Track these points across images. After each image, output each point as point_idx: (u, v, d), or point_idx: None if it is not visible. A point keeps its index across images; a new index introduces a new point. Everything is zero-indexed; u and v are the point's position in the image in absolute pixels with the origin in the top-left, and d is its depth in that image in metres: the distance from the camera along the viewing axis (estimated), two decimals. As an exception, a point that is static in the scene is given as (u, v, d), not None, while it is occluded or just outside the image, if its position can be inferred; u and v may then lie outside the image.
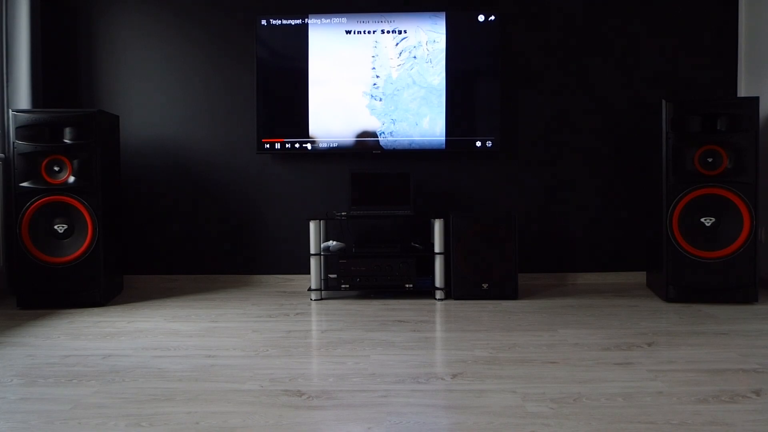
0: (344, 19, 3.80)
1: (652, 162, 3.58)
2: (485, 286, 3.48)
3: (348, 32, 3.80)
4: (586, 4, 3.90)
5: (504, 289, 3.48)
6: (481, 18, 3.79)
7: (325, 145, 3.84)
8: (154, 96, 3.97)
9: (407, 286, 3.55)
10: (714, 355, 2.46)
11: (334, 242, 3.73)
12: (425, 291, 3.64)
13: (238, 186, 4.00)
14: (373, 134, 3.83)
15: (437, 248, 3.52)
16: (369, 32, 3.80)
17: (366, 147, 3.83)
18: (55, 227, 3.37)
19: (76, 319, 3.15)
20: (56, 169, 3.36)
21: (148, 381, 2.22)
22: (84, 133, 3.36)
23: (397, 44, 3.80)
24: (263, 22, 3.81)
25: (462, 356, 2.47)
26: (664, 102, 3.33)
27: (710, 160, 3.28)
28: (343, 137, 3.83)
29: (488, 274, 3.48)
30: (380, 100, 3.82)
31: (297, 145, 3.84)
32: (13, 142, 3.33)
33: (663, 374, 2.23)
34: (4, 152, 3.61)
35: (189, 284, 4.00)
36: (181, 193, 4.00)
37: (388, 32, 3.80)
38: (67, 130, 3.35)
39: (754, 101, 3.27)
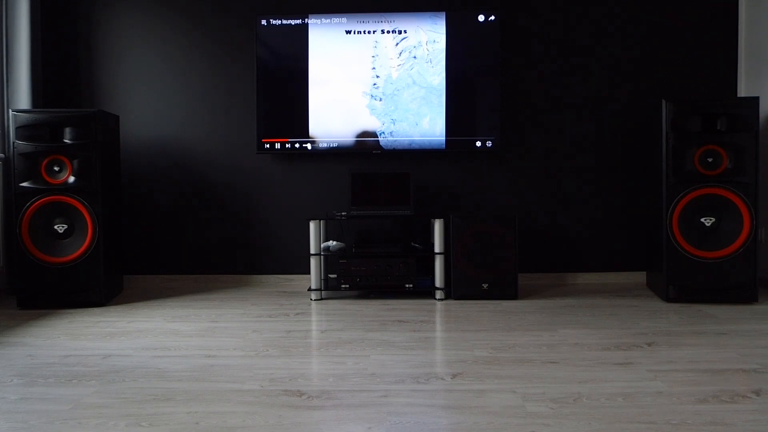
0: (344, 19, 3.80)
1: (652, 162, 3.58)
2: (485, 286, 3.48)
3: (348, 32, 3.80)
4: (586, 4, 3.90)
5: (504, 289, 3.48)
6: (481, 18, 3.79)
7: (325, 145, 3.84)
8: (154, 96, 3.97)
9: (407, 286, 3.55)
10: (714, 355, 2.46)
11: (334, 242, 3.73)
12: (425, 291, 3.64)
13: (238, 186, 4.00)
14: (373, 134, 3.83)
15: (437, 248, 3.52)
16: (369, 32, 3.80)
17: (366, 147, 3.83)
18: (55, 227, 3.37)
19: (76, 319, 3.15)
20: (56, 169, 3.36)
21: (148, 381, 2.22)
22: (84, 133, 3.36)
23: (397, 44, 3.80)
24: (263, 22, 3.81)
25: (462, 356, 2.47)
26: (664, 102, 3.33)
27: (710, 160, 3.28)
28: (343, 137, 3.83)
29: (488, 274, 3.48)
30: (380, 100, 3.82)
31: (297, 145, 3.84)
32: (13, 142, 3.33)
33: (663, 374, 2.23)
34: (4, 152, 3.61)
35: (189, 284, 4.00)
36: (181, 193, 4.00)
37: (388, 32, 3.80)
38: (67, 130, 3.35)
39: (754, 101, 3.27)
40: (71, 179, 3.35)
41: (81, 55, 3.95)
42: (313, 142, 3.84)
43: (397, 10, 3.84)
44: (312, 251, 3.57)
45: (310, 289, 3.59)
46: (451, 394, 2.07)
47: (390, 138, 3.82)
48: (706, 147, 3.28)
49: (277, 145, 3.84)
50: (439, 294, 3.52)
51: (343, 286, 3.56)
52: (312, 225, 3.56)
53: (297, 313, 3.25)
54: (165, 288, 3.94)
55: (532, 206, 3.97)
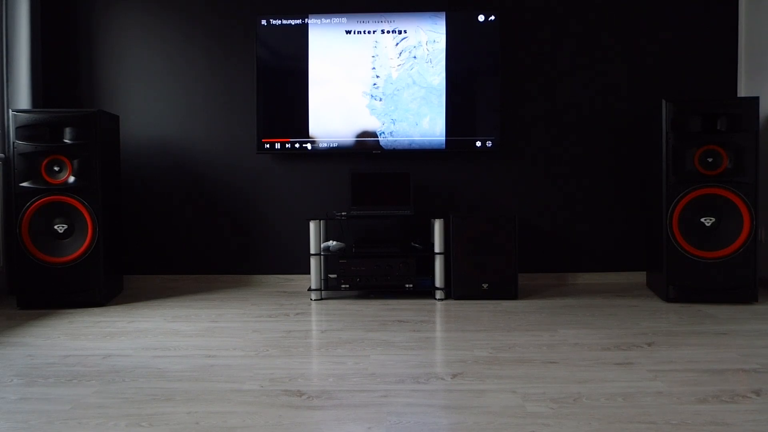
0: (344, 19, 3.80)
1: (652, 162, 3.58)
2: (485, 286, 3.48)
3: (348, 32, 3.80)
4: (586, 4, 3.90)
5: (504, 289, 3.48)
6: (481, 18, 3.79)
7: (325, 145, 3.84)
8: (154, 96, 3.97)
9: (407, 286, 3.55)
10: (714, 355, 2.46)
11: (334, 242, 3.73)
12: (425, 291, 3.64)
13: (238, 186, 4.00)
14: (373, 134, 3.83)
15: (437, 248, 3.52)
16: (369, 32, 3.80)
17: (366, 147, 3.83)
18: (55, 227, 3.37)
19: (76, 319, 3.15)
20: (56, 169, 3.36)
21: (148, 381, 2.22)
22: (84, 133, 3.36)
23: (397, 44, 3.80)
24: (263, 22, 3.81)
25: (462, 356, 2.47)
26: (664, 102, 3.33)
27: (710, 160, 3.28)
28: (343, 137, 3.83)
29: (488, 274, 3.48)
30: (380, 100, 3.82)
31: (297, 145, 3.84)
32: (13, 142, 3.33)
33: (663, 374, 2.23)
34: (4, 152, 3.61)
35: (189, 284, 4.00)
36: (181, 193, 4.00)
37: (388, 32, 3.80)
38: (67, 130, 3.35)
39: (754, 101, 3.27)
40: (71, 179, 3.35)
41: (81, 55, 3.95)
42: (313, 142, 3.84)
43: (397, 10, 3.83)
44: (312, 251, 3.57)
45: (310, 289, 3.59)
46: (451, 394, 2.07)
47: (390, 138, 3.82)
48: (706, 147, 3.28)
49: (277, 145, 3.84)
50: (439, 294, 3.52)
51: (343, 286, 3.56)
52: (312, 225, 3.56)
53: (297, 313, 3.25)
54: (165, 288, 3.94)
55: (532, 206, 3.97)
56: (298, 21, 3.81)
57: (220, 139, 3.98)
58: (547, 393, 2.06)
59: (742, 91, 3.84)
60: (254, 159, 3.96)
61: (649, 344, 2.60)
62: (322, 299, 3.56)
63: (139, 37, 3.95)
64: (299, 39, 3.82)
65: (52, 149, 3.34)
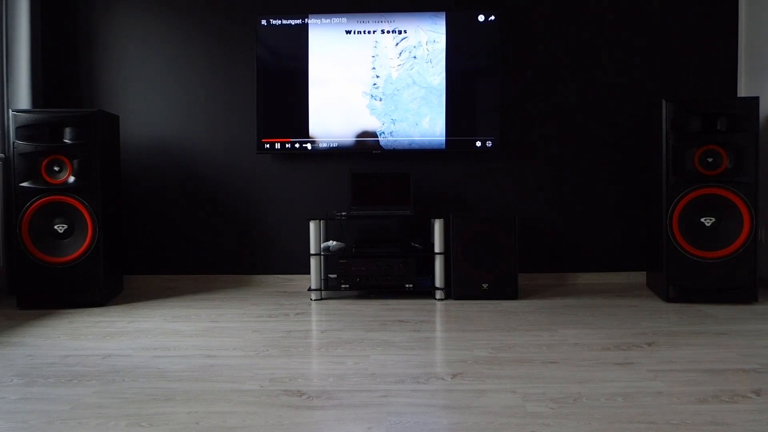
0: (344, 19, 3.80)
1: (652, 162, 3.58)
2: (485, 286, 3.48)
3: (348, 32, 3.80)
4: (585, 4, 3.90)
5: (504, 289, 3.48)
6: (481, 18, 3.79)
7: (325, 145, 3.84)
8: (154, 96, 3.96)
9: (407, 286, 3.55)
10: (714, 355, 2.46)
11: (334, 242, 3.73)
12: (425, 291, 3.64)
13: (238, 186, 4.00)
14: (373, 134, 3.83)
15: (437, 248, 3.52)
16: (369, 32, 3.80)
17: (366, 147, 3.83)
18: (55, 227, 3.37)
19: (76, 319, 3.15)
20: (56, 169, 3.36)
21: (148, 381, 2.22)
22: (84, 133, 3.36)
23: (397, 44, 3.80)
24: (263, 22, 3.81)
25: (462, 356, 2.47)
26: (664, 102, 3.33)
27: (710, 160, 3.28)
28: (343, 137, 3.83)
29: (488, 274, 3.48)
30: (380, 100, 3.82)
31: (297, 145, 3.84)
32: (13, 142, 3.33)
33: (663, 374, 2.23)
34: (4, 152, 3.61)
35: (189, 284, 4.00)
36: (180, 193, 4.00)
37: (388, 32, 3.80)
38: (67, 130, 3.35)
39: (754, 101, 3.27)
40: (71, 179, 3.35)
41: (81, 55, 3.95)
42: (313, 142, 3.84)
43: (397, 10, 3.83)
44: (312, 251, 3.57)
45: (310, 289, 3.59)
46: (451, 394, 2.07)
47: (390, 138, 3.82)
48: (706, 147, 3.28)
49: (277, 145, 3.84)
50: (439, 294, 3.52)
51: (343, 286, 3.56)
52: (312, 225, 3.56)
53: (297, 313, 3.25)
54: (165, 288, 3.94)
55: (532, 206, 3.97)
56: (298, 21, 3.81)
57: (220, 139, 3.98)
58: (547, 393, 2.06)
59: (742, 91, 3.84)
60: (254, 159, 3.96)
61: (649, 344, 2.60)
62: (322, 299, 3.56)
63: (139, 37, 3.95)
64: (299, 39, 3.82)
65: (52, 149, 3.34)
